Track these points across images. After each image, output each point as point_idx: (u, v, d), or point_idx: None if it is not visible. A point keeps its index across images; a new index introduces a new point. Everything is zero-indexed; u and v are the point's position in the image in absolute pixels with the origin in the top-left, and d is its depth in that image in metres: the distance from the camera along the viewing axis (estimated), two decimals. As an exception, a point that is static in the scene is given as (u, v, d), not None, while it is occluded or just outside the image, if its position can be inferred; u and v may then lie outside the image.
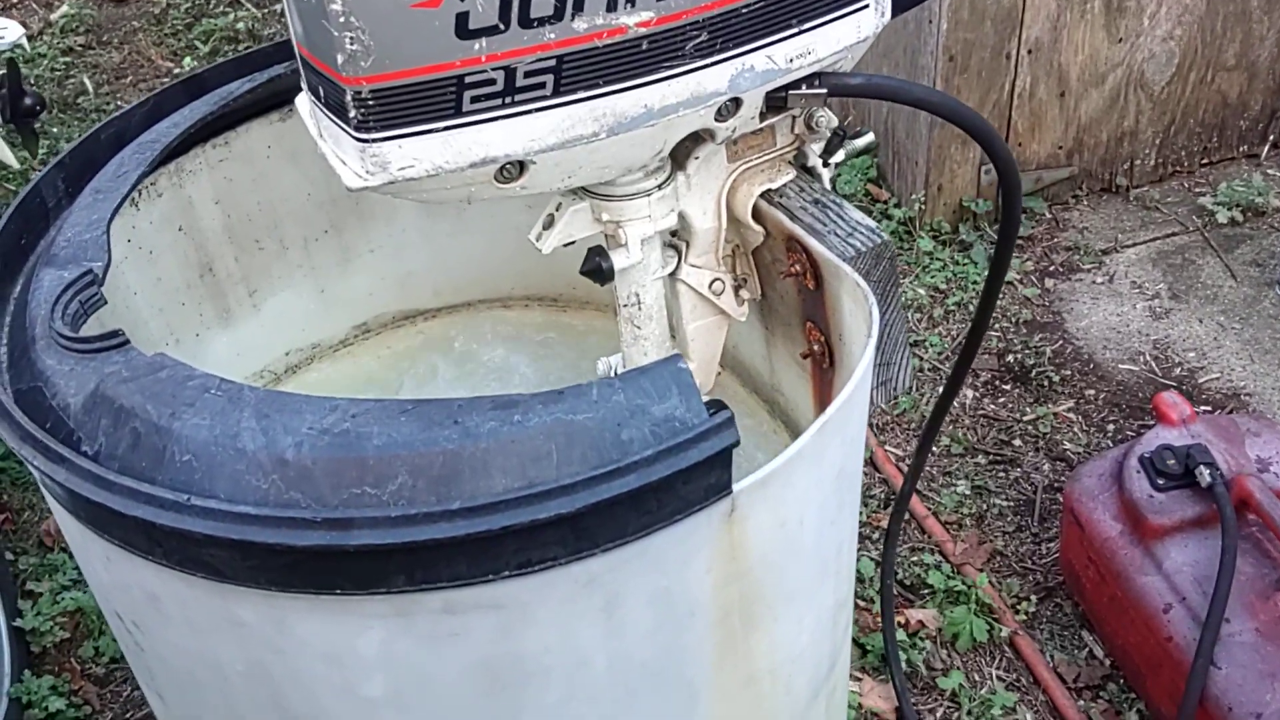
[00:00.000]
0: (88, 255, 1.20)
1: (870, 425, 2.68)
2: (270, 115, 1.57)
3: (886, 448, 2.63)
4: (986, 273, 1.50)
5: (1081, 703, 2.13)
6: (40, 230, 1.33)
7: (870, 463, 2.61)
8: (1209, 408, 2.64)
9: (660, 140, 1.16)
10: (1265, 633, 1.88)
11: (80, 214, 1.26)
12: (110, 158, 1.36)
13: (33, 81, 4.11)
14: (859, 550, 2.38)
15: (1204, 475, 2.00)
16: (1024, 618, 2.27)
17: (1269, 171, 3.30)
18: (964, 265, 3.03)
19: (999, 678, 2.19)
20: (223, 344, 1.62)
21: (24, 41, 3.91)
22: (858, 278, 1.19)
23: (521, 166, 1.12)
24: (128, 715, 2.21)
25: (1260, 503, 1.94)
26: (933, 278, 3.00)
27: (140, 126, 1.42)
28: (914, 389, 2.77)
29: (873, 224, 1.26)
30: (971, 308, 2.92)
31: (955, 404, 2.70)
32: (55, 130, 3.88)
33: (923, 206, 3.08)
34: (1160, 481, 2.05)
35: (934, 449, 2.60)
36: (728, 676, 1.10)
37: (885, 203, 3.19)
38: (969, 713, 2.13)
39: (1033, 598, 2.30)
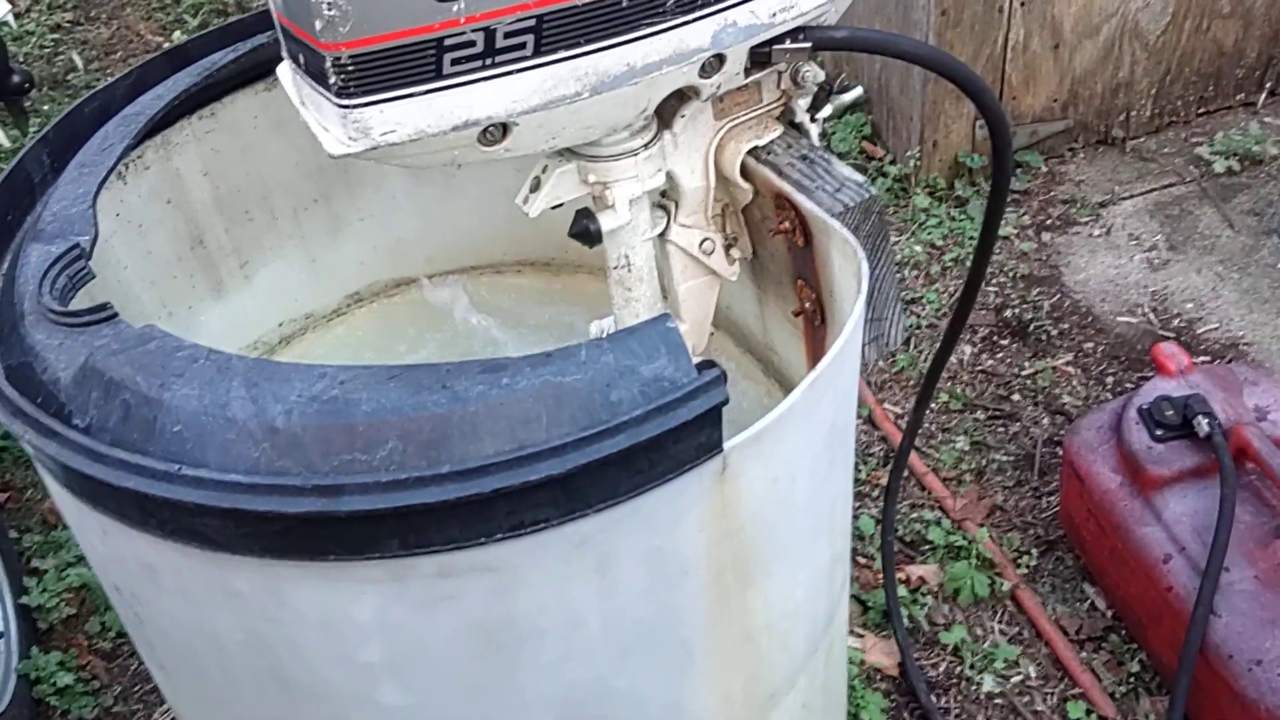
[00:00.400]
0: (74, 229, 1.19)
1: (869, 383, 2.68)
2: (256, 85, 1.56)
3: (885, 405, 2.63)
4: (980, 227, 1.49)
5: (1084, 654, 2.14)
6: (26, 206, 1.32)
7: (869, 421, 2.61)
8: (1208, 358, 2.64)
9: (644, 99, 1.15)
10: (1265, 580, 1.89)
11: (66, 188, 1.26)
12: (95, 131, 1.36)
13: (21, 59, 4.09)
14: (859, 508, 2.39)
15: (1202, 425, 2.00)
16: (1025, 571, 2.28)
17: (1266, 120, 3.28)
18: (960, 221, 3.02)
19: (1001, 631, 2.20)
20: (215, 316, 1.62)
21: (10, 19, 3.88)
22: (846, 233, 1.18)
23: (505, 129, 1.11)
24: (135, 688, 2.23)
25: (1258, 451, 1.94)
26: (929, 234, 2.99)
27: (124, 99, 1.41)
28: (912, 346, 2.77)
29: (861, 178, 1.25)
30: (968, 263, 2.91)
31: (953, 360, 2.70)
32: (46, 108, 3.86)
33: (918, 163, 3.06)
34: (1159, 432, 2.05)
35: (933, 406, 2.60)
36: (723, 633, 1.11)
37: (880, 160, 3.18)
38: (971, 666, 2.14)
39: (1033, 551, 2.31)
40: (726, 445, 0.97)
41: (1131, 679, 2.09)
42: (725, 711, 1.17)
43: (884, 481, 2.43)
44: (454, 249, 1.80)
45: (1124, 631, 2.16)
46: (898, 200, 3.11)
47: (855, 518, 2.39)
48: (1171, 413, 2.05)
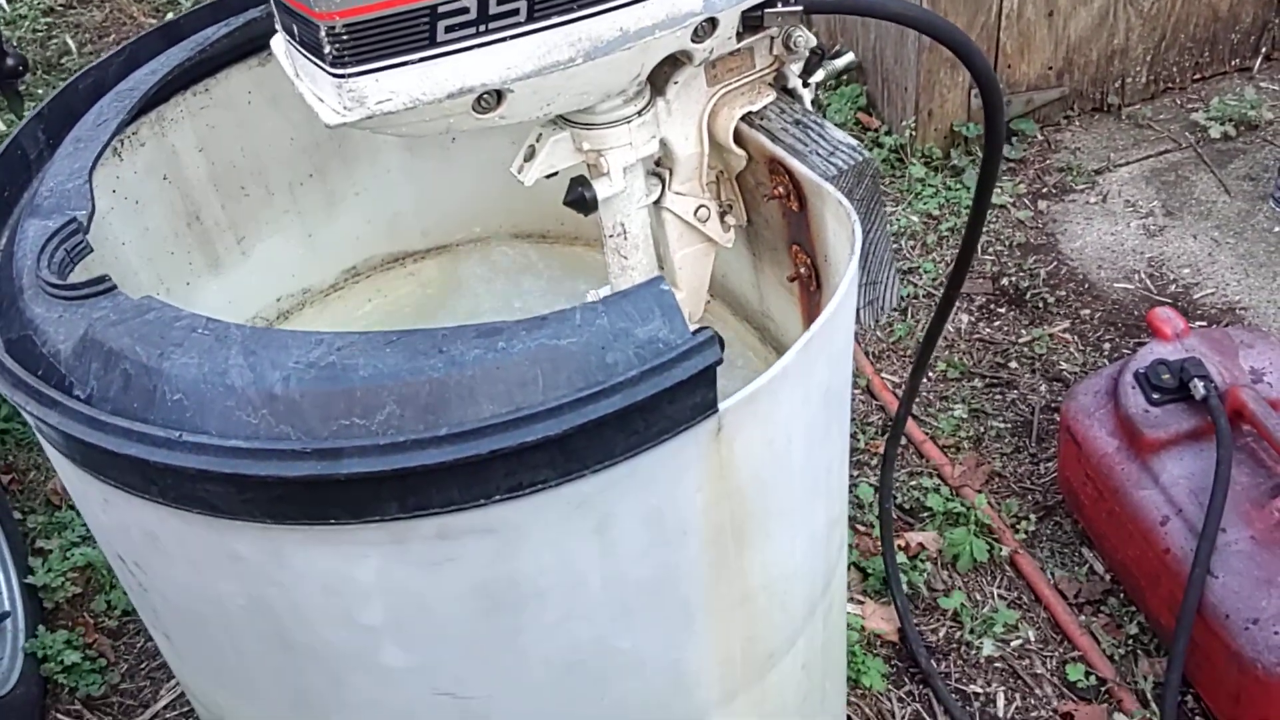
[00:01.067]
0: (71, 204, 1.20)
1: (867, 354, 2.69)
2: (249, 60, 1.56)
3: (883, 375, 2.64)
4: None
5: (1082, 618, 2.16)
6: (23, 183, 1.33)
7: (868, 390, 2.62)
8: (1205, 323, 2.65)
9: (638, 64, 1.15)
10: (1261, 540, 1.90)
11: (62, 164, 1.26)
12: (89, 107, 1.36)
13: (15, 43, 4.08)
14: (858, 476, 2.40)
15: (1198, 388, 2.01)
16: (1024, 537, 2.29)
17: (1261, 84, 3.28)
18: (956, 190, 3.02)
19: (1000, 596, 2.21)
20: (213, 292, 1.62)
21: (3, 3, 3.88)
22: (840, 196, 1.19)
23: (499, 96, 1.11)
24: (142, 665, 2.25)
25: (1254, 413, 1.95)
26: (925, 204, 2.99)
27: (118, 75, 1.41)
28: (909, 315, 2.77)
29: (854, 142, 1.25)
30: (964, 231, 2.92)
31: (951, 329, 2.71)
32: (40, 92, 3.86)
33: (913, 133, 3.06)
34: (1155, 396, 2.06)
35: (931, 375, 2.61)
36: (722, 593, 1.12)
37: (876, 130, 3.18)
38: (971, 631, 2.16)
39: (1032, 517, 2.32)
40: (721, 406, 0.98)
41: (1130, 641, 2.11)
42: (724, 671, 1.19)
43: (883, 450, 2.44)
44: (450, 222, 1.80)
45: (1122, 594, 2.17)
46: (894, 170, 3.11)
47: (854, 486, 2.40)
48: (1168, 376, 2.06)
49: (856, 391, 2.62)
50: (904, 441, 2.48)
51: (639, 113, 1.27)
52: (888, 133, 3.13)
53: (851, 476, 2.43)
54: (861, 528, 2.34)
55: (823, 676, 1.39)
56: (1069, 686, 2.06)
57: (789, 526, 1.15)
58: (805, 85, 1.35)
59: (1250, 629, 1.83)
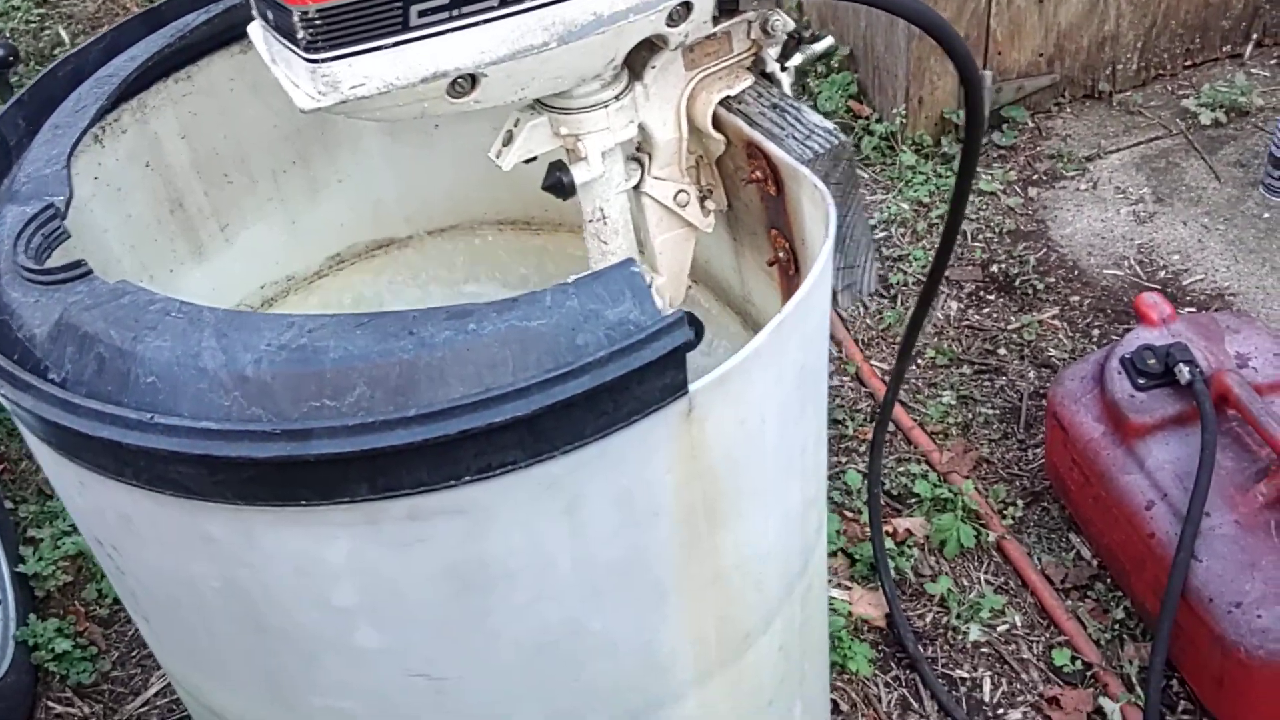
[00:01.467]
0: (49, 190, 1.20)
1: (857, 341, 2.69)
2: (231, 48, 1.56)
3: (873, 362, 2.65)
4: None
5: (1069, 602, 2.16)
6: (2, 170, 1.33)
7: (857, 377, 2.63)
8: (1194, 309, 2.65)
9: (613, 48, 1.16)
10: (1245, 524, 1.91)
11: (40, 150, 1.27)
12: (69, 94, 1.36)
13: (8, 34, 4.08)
14: (846, 463, 2.40)
15: (1183, 373, 2.02)
16: (1011, 522, 2.30)
17: (1252, 70, 3.28)
18: (947, 178, 3.02)
19: (987, 581, 2.22)
20: (197, 279, 1.63)
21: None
22: (815, 179, 1.19)
23: (474, 80, 1.11)
24: (133, 653, 2.26)
25: (1239, 398, 1.96)
26: (915, 191, 3.00)
27: (98, 62, 1.42)
28: (899, 302, 2.78)
29: (831, 125, 1.26)
30: (955, 220, 2.92)
31: (940, 316, 2.71)
32: (33, 82, 3.85)
33: (904, 120, 3.06)
34: (1141, 381, 2.07)
35: (920, 362, 2.62)
36: (695, 574, 1.12)
37: (867, 118, 3.18)
38: (958, 616, 2.16)
39: (1019, 502, 2.33)
40: (692, 387, 0.98)
41: (1116, 626, 2.11)
42: (698, 651, 1.19)
43: (871, 436, 2.45)
44: (433, 209, 1.80)
45: (1109, 579, 2.18)
46: (884, 158, 3.12)
47: (842, 472, 2.41)
48: (1154, 361, 2.07)
49: (845, 379, 2.63)
50: (892, 428, 2.48)
51: (616, 97, 1.27)
52: (879, 120, 3.13)
53: (840, 463, 2.44)
54: (849, 514, 2.34)
55: (801, 658, 1.40)
56: (1055, 671, 2.07)
57: (762, 506, 1.16)
58: (784, 70, 1.35)
59: (1234, 612, 1.84)
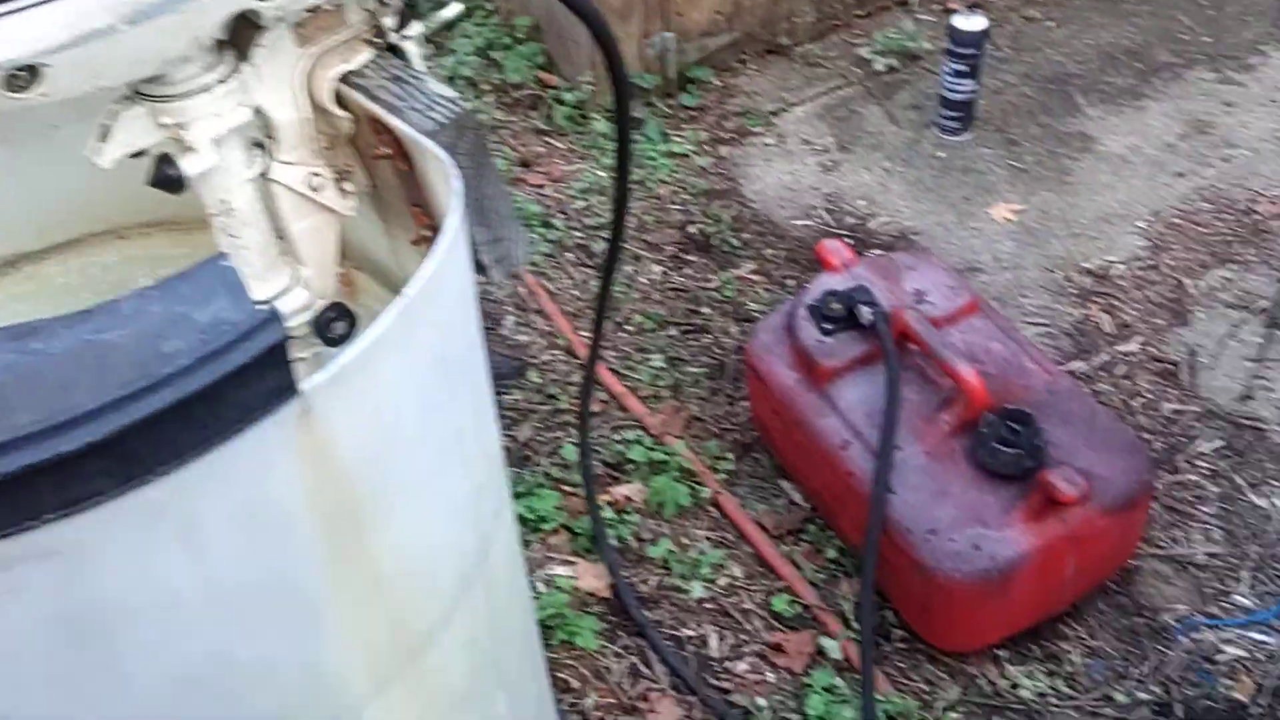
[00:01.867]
0: None
1: (565, 313, 2.66)
2: None
3: (582, 333, 2.62)
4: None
5: (785, 547, 2.21)
6: None
7: (568, 350, 2.60)
8: (882, 251, 2.75)
9: (194, 28, 1.06)
10: (933, 454, 1.98)
11: None
12: None
13: None
14: (563, 437, 2.37)
15: (864, 314, 2.08)
16: (724, 476, 2.32)
17: (920, 17, 3.43)
18: (639, 143, 3.03)
19: (706, 537, 2.24)
20: None
21: None
22: (438, 150, 1.13)
23: (34, 71, 1.00)
24: None
25: (917, 332, 2.03)
26: (610, 159, 2.99)
27: None
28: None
29: (454, 95, 1.20)
30: (649, 184, 2.93)
31: (644, 281, 2.72)
32: None
33: (592, 88, 3.05)
34: (827, 326, 2.12)
35: (628, 329, 2.61)
36: (351, 583, 1.05)
37: (557, 89, 3.15)
38: (681, 576, 2.17)
39: (730, 456, 2.35)
40: (305, 387, 0.91)
41: (831, 565, 2.17)
42: (370, 659, 1.12)
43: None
44: (67, 218, 1.65)
45: (820, 521, 2.23)
46: (578, 127, 3.09)
47: (559, 447, 2.38)
48: (837, 306, 2.12)
49: (557, 353, 2.60)
50: (606, 398, 2.47)
51: (222, 80, 1.18)
52: (569, 90, 3.11)
53: (556, 439, 2.41)
54: (568, 488, 2.32)
55: (495, 648, 1.35)
56: (776, 617, 2.11)
57: (418, 502, 1.10)
58: (405, 39, 1.28)
59: (931, 539, 1.91)
